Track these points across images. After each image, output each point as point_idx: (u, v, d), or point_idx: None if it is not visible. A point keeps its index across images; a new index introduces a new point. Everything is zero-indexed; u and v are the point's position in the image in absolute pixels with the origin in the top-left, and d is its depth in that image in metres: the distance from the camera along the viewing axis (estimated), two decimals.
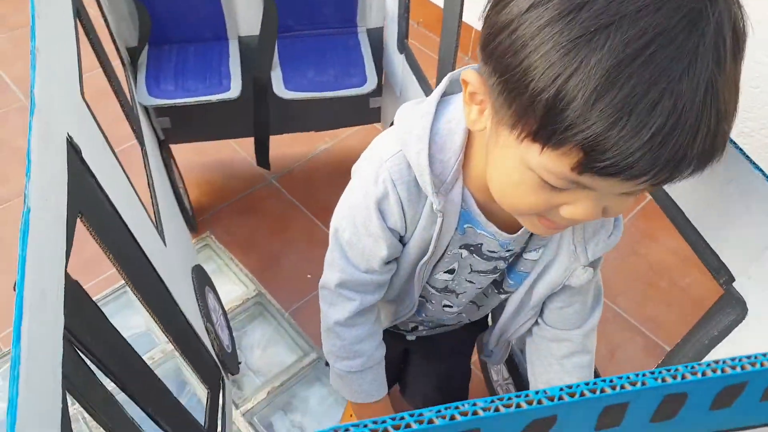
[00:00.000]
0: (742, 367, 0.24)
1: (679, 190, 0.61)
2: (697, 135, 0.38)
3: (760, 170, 0.49)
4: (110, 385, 0.58)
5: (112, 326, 0.61)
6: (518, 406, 0.23)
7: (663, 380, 0.23)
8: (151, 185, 0.96)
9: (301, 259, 1.37)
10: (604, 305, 1.35)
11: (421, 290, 0.68)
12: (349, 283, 0.65)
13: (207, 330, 1.05)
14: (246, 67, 1.19)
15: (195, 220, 1.40)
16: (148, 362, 1.25)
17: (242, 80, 1.16)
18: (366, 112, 1.41)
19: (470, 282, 0.66)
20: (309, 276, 1.34)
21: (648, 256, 1.47)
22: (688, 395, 0.24)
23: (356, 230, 0.61)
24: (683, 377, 0.23)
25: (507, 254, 0.62)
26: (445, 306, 0.72)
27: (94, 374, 0.55)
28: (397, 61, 1.22)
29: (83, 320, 0.56)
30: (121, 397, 0.61)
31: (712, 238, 0.56)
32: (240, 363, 1.24)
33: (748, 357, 0.24)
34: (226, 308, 1.30)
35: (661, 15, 0.37)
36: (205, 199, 1.46)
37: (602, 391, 0.23)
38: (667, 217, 0.62)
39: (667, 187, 0.62)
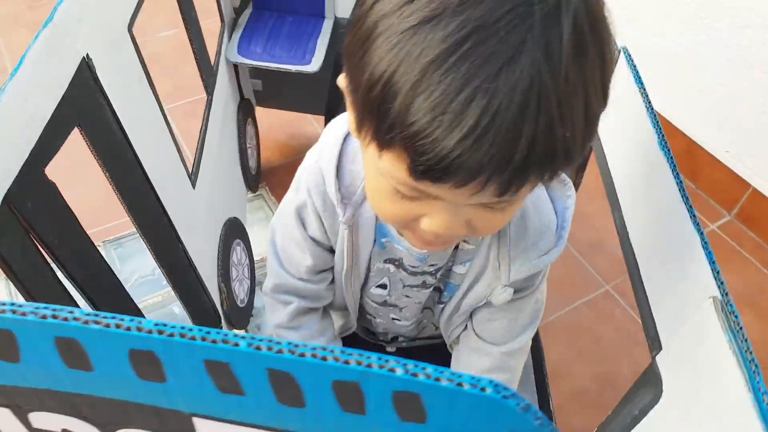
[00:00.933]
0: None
1: (637, 238, 0.56)
2: (519, 139, 0.35)
3: (697, 227, 0.43)
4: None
5: (81, 228, 0.68)
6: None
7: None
8: (202, 131, 1.03)
9: None
10: None
11: (359, 302, 0.67)
12: (283, 287, 0.65)
13: (219, 289, 1.11)
14: (333, 47, 1.24)
15: (257, 181, 1.47)
16: (155, 300, 1.34)
17: (325, 58, 1.21)
18: None
19: (407, 296, 0.65)
20: None
21: None
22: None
23: (284, 236, 0.62)
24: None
25: (431, 269, 0.60)
26: (394, 319, 0.71)
27: (42, 257, 0.61)
28: None
29: (48, 216, 0.62)
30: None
31: (654, 299, 0.50)
32: (252, 316, 1.29)
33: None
34: (266, 255, 1.37)
35: (484, 7, 0.34)
36: (267, 154, 1.56)
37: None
38: (627, 267, 0.56)
39: (629, 230, 0.57)
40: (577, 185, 0.75)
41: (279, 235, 0.62)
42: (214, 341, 0.23)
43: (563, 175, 0.57)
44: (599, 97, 0.39)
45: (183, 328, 0.23)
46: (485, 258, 0.58)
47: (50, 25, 0.57)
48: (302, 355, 0.22)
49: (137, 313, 0.83)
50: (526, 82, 0.34)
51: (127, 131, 0.72)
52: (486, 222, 0.43)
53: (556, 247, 0.57)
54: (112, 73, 0.68)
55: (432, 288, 0.64)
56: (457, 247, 0.58)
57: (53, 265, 0.65)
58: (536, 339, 0.85)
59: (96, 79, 0.65)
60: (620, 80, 0.61)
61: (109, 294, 0.77)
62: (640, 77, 0.57)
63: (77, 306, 0.70)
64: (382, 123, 0.37)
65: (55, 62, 0.58)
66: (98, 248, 0.73)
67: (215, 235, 1.10)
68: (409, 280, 0.61)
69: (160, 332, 0.23)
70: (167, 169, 0.86)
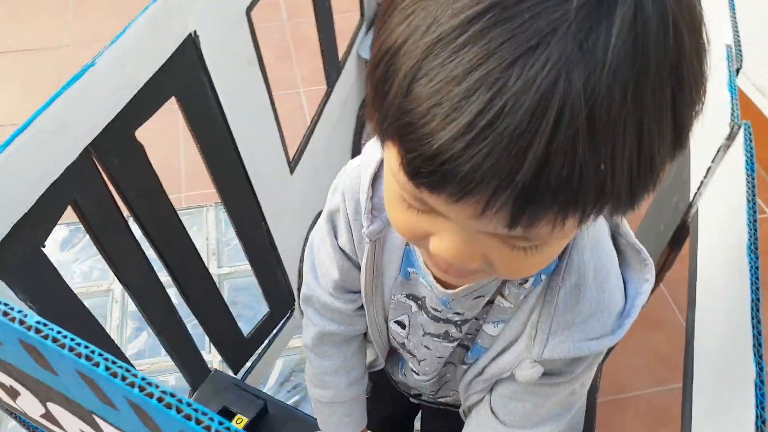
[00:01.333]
0: None
1: (701, 346, 0.48)
2: (525, 153, 0.28)
3: (757, 360, 0.36)
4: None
5: (163, 191, 0.72)
6: None
7: None
8: (313, 121, 1.06)
9: None
10: None
11: (385, 338, 0.62)
12: (311, 300, 0.61)
13: (299, 274, 1.13)
14: None
15: None
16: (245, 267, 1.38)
17: None
18: None
19: (426, 348, 0.59)
20: None
21: None
22: None
23: (319, 243, 0.57)
24: None
25: (456, 318, 0.53)
26: (413, 371, 0.64)
27: (114, 204, 0.65)
28: None
29: (132, 175, 0.67)
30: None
31: (697, 420, 0.43)
32: None
33: None
34: None
35: None
36: None
37: None
38: (683, 373, 0.48)
39: (696, 334, 0.49)
40: (669, 263, 0.67)
41: (316, 242, 0.59)
42: (78, 354, 0.22)
43: (644, 254, 0.48)
44: (665, 133, 0.30)
45: (60, 332, 0.23)
46: (523, 324, 0.50)
47: (159, 2, 0.60)
48: (150, 395, 0.21)
49: (207, 278, 0.87)
50: (548, 81, 0.27)
51: (225, 109, 0.75)
52: (505, 260, 0.36)
53: (613, 335, 0.47)
54: (219, 52, 0.71)
55: (456, 343, 0.56)
56: (492, 302, 0.51)
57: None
58: (589, 417, 0.77)
59: (200, 56, 0.68)
60: (733, 159, 0.53)
61: (184, 257, 0.81)
62: (753, 163, 0.49)
63: (146, 259, 0.74)
64: (381, 107, 0.32)
65: (158, 35, 0.61)
66: (178, 212, 0.77)
67: (305, 222, 1.12)
68: (430, 327, 0.55)
69: (38, 331, 0.23)
70: (264, 152, 0.88)
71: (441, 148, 0.29)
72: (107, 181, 0.64)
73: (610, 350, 0.90)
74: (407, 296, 0.55)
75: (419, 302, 0.54)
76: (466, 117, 0.28)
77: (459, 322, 0.54)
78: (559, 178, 0.29)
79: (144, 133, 0.63)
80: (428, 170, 0.30)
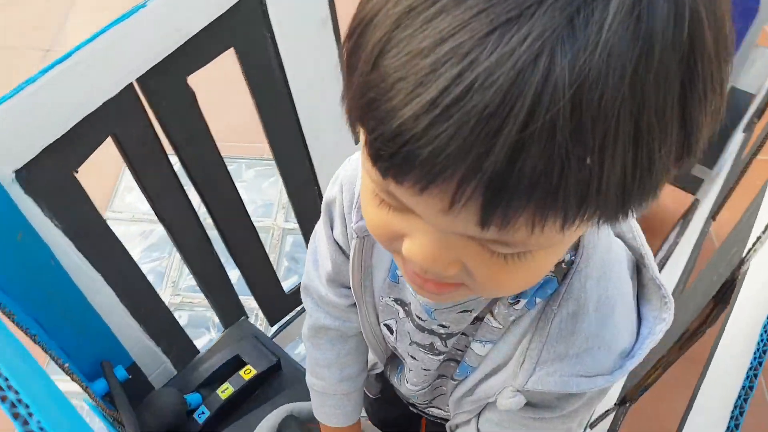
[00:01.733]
0: None
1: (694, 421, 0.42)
2: (495, 138, 0.24)
3: None
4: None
5: (211, 139, 0.73)
6: None
7: None
8: None
9: None
10: None
11: (380, 339, 0.59)
12: (309, 290, 0.59)
13: None
14: None
15: None
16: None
17: None
18: (684, 177, 1.22)
19: (413, 358, 0.56)
20: None
21: None
22: None
23: (319, 230, 0.55)
24: None
25: (442, 331, 0.50)
26: (407, 380, 0.61)
27: (157, 143, 0.68)
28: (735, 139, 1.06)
29: (181, 119, 0.69)
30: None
31: None
32: None
33: None
34: None
35: None
36: None
37: None
38: None
39: (694, 406, 0.43)
40: (712, 319, 0.59)
41: (317, 231, 0.56)
42: None
43: (664, 290, 0.42)
44: (669, 129, 0.26)
45: None
46: (513, 348, 0.46)
47: None
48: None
49: (250, 228, 0.89)
50: (528, 57, 0.24)
51: (286, 69, 0.75)
52: (484, 268, 0.33)
53: (611, 375, 0.42)
54: (287, 10, 0.70)
55: (443, 357, 0.53)
56: (482, 319, 0.48)
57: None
58: None
59: (265, 12, 0.68)
60: None
61: (228, 206, 0.83)
62: None
63: (188, 200, 0.77)
64: (349, 82, 0.30)
65: None
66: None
67: None
68: (417, 336, 0.52)
69: None
70: (327, 119, 0.87)
71: (402, 127, 0.26)
72: (152, 121, 0.66)
73: (644, 390, 0.82)
74: (395, 300, 0.52)
75: (406, 308, 0.52)
76: (431, 93, 0.25)
77: (444, 336, 0.51)
78: (535, 169, 0.25)
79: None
80: (389, 152, 0.27)
